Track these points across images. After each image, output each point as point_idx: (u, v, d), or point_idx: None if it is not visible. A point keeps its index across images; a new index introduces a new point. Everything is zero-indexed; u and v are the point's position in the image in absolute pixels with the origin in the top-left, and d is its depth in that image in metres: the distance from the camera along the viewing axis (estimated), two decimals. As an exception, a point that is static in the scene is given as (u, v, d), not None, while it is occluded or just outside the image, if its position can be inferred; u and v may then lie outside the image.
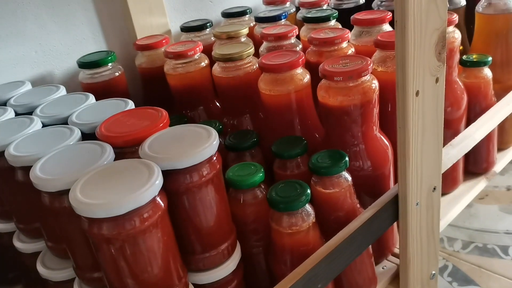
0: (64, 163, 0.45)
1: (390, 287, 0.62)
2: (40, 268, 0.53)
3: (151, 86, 0.81)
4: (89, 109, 0.57)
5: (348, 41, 0.69)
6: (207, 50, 0.76)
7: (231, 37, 0.77)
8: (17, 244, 0.58)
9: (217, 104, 0.77)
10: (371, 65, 0.57)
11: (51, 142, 0.49)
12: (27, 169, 0.47)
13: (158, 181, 0.40)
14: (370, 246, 0.58)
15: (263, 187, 0.55)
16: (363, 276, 0.58)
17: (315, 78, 0.62)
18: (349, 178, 0.54)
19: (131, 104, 0.57)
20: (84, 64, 0.73)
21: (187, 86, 0.73)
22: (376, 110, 0.58)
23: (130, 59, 0.84)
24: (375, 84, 0.57)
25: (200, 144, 0.44)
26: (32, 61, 0.76)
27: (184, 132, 0.47)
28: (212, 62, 0.72)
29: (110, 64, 0.74)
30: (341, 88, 0.56)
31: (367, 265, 0.58)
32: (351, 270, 0.56)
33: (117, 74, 0.75)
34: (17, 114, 0.60)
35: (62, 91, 0.65)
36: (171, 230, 0.44)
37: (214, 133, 0.46)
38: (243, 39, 0.78)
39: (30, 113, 0.59)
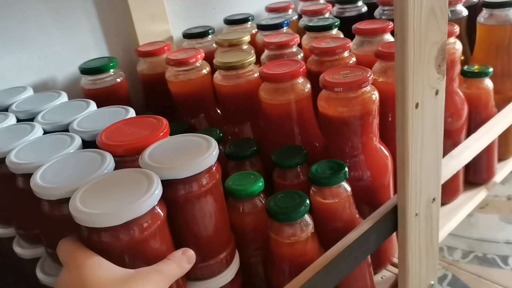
0: (64, 171, 0.45)
1: (389, 297, 0.62)
2: (39, 274, 0.53)
3: (152, 93, 0.81)
4: (90, 116, 0.57)
5: (350, 51, 0.70)
6: (209, 57, 0.76)
7: (233, 45, 0.78)
8: (17, 249, 0.58)
9: (218, 111, 0.77)
10: (371, 76, 0.57)
11: (52, 150, 0.49)
12: (27, 176, 0.47)
13: (157, 191, 0.40)
14: (369, 255, 0.58)
15: (262, 196, 0.55)
16: (362, 286, 0.58)
17: (316, 87, 0.62)
18: (349, 189, 0.55)
19: (131, 112, 0.57)
20: (86, 70, 0.74)
21: (188, 93, 0.73)
22: (376, 121, 0.59)
23: (132, 65, 0.84)
24: (375, 95, 0.57)
25: (199, 154, 0.44)
26: (35, 67, 0.77)
27: (184, 142, 0.47)
28: (213, 69, 0.73)
29: (112, 70, 0.75)
30: (341, 99, 0.57)
31: (366, 274, 0.58)
32: (350, 279, 0.56)
33: (118, 80, 0.76)
34: (18, 120, 0.60)
35: (64, 97, 0.65)
36: (170, 239, 0.44)
37: (214, 144, 0.46)
38: (245, 47, 0.78)
39: (32, 119, 0.59)
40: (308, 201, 0.50)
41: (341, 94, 0.56)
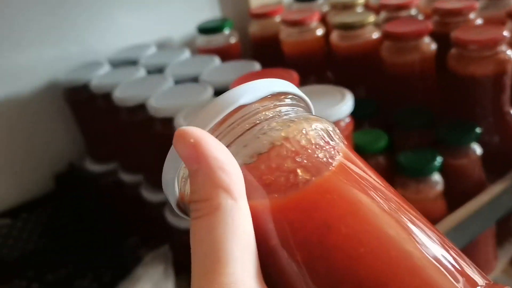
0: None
1: (510, 268, 0.60)
2: (169, 216, 0.56)
3: (263, 55, 0.82)
4: (217, 68, 0.59)
5: (476, 12, 0.66)
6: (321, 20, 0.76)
7: (347, 7, 0.76)
8: (146, 194, 0.62)
9: (328, 74, 0.77)
10: (508, 34, 0.54)
11: (187, 97, 0.52)
12: (166, 120, 0.50)
13: None
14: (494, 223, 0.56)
15: (386, 154, 0.54)
16: (485, 252, 0.56)
17: (438, 50, 0.60)
18: (479, 150, 0.52)
19: (257, 66, 0.58)
20: (203, 30, 0.76)
21: (302, 54, 0.73)
22: (510, 83, 0.55)
23: (242, 27, 0.86)
24: (511, 55, 0.54)
25: (336, 103, 0.45)
26: (153, 27, 0.80)
27: (318, 92, 0.48)
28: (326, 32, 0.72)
29: (226, 31, 0.76)
30: (475, 58, 0.54)
31: (489, 242, 0.56)
32: (473, 246, 0.55)
33: (232, 41, 0.77)
34: (148, 72, 0.64)
35: (187, 53, 0.68)
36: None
37: (349, 94, 0.46)
38: (358, 10, 0.77)
39: (160, 71, 0.63)
40: (440, 158, 0.49)
41: (474, 52, 0.54)
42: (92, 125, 0.71)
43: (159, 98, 0.53)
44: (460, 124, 0.53)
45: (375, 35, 0.66)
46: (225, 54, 0.76)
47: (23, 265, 0.69)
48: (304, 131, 0.20)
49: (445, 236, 0.42)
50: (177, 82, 0.58)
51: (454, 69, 0.56)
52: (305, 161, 0.19)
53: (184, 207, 0.22)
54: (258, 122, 0.20)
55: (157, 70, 0.63)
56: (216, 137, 0.19)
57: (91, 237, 0.71)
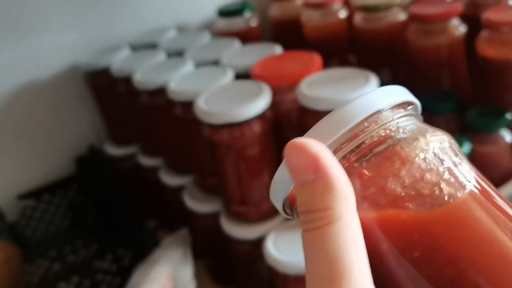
0: (224, 98, 0.46)
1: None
2: (188, 201, 0.56)
3: (283, 38, 0.80)
4: (238, 52, 0.58)
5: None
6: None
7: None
8: (165, 178, 0.61)
9: (351, 57, 0.75)
10: (544, 15, 0.51)
11: (207, 81, 0.51)
12: (186, 104, 0.49)
13: None
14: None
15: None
16: None
17: (467, 33, 0.58)
18: (509, 137, 0.50)
19: (278, 49, 0.57)
20: (224, 13, 0.74)
21: (324, 37, 0.71)
22: (544, 67, 0.53)
23: (263, 10, 0.84)
24: (546, 37, 0.52)
25: (359, 87, 0.43)
26: (173, 10, 0.79)
27: (341, 75, 0.46)
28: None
29: (247, 14, 0.75)
30: (507, 40, 0.52)
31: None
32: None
33: (252, 24, 0.76)
34: (168, 56, 0.63)
35: (206, 36, 0.67)
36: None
37: (373, 77, 0.45)
38: (383, -9, 0.74)
39: (180, 55, 0.62)
40: (467, 145, 0.47)
41: (507, 35, 0.51)
42: (112, 108, 0.71)
43: (179, 82, 0.52)
44: (490, 110, 0.51)
45: (401, 17, 0.64)
46: (246, 37, 0.75)
47: (46, 245, 0.71)
48: (440, 143, 0.19)
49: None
50: (197, 65, 0.57)
51: (485, 53, 0.54)
52: (446, 174, 0.18)
53: (288, 211, 0.21)
54: (393, 128, 0.19)
55: (177, 54, 0.62)
56: (348, 143, 0.19)
57: (111, 219, 0.72)
